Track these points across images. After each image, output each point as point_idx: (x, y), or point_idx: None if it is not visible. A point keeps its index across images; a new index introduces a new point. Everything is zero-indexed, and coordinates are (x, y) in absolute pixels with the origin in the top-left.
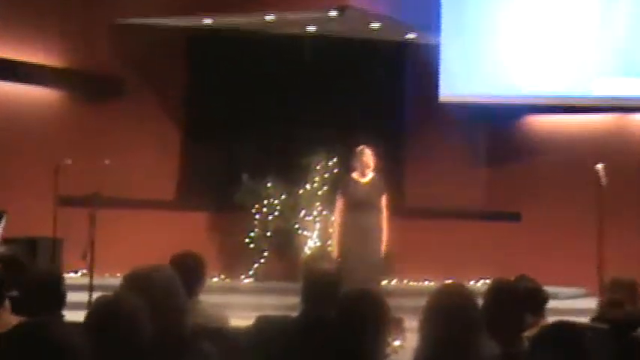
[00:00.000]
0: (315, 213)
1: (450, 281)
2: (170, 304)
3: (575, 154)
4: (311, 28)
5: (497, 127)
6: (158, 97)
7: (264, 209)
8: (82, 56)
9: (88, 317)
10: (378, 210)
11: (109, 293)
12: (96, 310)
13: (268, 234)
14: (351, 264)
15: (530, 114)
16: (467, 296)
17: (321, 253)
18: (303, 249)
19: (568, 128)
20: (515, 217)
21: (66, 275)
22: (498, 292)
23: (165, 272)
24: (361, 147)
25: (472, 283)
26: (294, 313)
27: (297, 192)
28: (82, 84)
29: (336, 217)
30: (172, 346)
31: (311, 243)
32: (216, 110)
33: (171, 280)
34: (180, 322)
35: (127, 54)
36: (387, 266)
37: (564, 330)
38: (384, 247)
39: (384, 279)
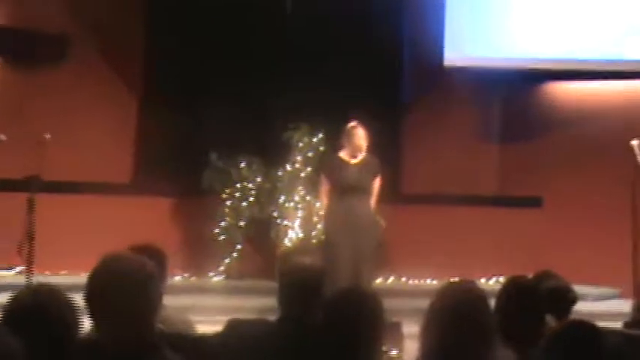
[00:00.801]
0: (296, 199)
1: (456, 279)
2: (139, 306)
3: (606, 128)
4: None
5: (512, 96)
6: (110, 62)
7: (237, 194)
8: (18, 11)
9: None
10: (370, 195)
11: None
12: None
13: (241, 224)
14: (338, 259)
15: (552, 80)
16: (477, 297)
17: (303, 246)
18: (282, 241)
19: (597, 97)
20: (534, 202)
21: None
22: (515, 291)
23: (142, 265)
24: (352, 124)
25: (483, 281)
26: (272, 317)
27: (276, 174)
28: (19, 44)
29: (321, 202)
30: (131, 354)
31: (292, 234)
32: (179, 77)
33: (147, 278)
34: (144, 327)
35: (73, 9)
36: (382, 262)
37: (583, 331)
38: (377, 238)
39: (378, 277)
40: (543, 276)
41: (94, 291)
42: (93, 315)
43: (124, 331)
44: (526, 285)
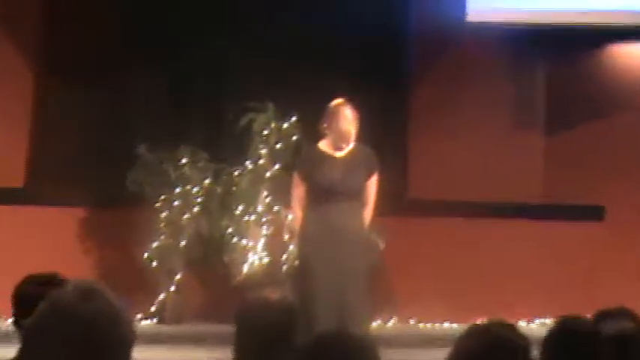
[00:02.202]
0: (260, 208)
1: (485, 321)
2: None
3: None
4: None
5: (560, 65)
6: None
7: (176, 202)
8: None
9: None
10: (364, 201)
11: None
12: None
13: (182, 244)
14: (317, 293)
15: (613, 41)
16: (516, 347)
17: (268, 275)
18: (240, 268)
19: None
20: (592, 213)
21: None
22: (567, 338)
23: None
24: (337, 101)
25: (523, 324)
26: None
27: (231, 173)
28: None
29: (293, 213)
30: None
31: (253, 258)
32: (90, 46)
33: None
34: None
35: None
36: (380, 296)
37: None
38: (373, 263)
39: (373, 318)
40: (606, 316)
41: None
42: None
43: None
44: (583, 329)
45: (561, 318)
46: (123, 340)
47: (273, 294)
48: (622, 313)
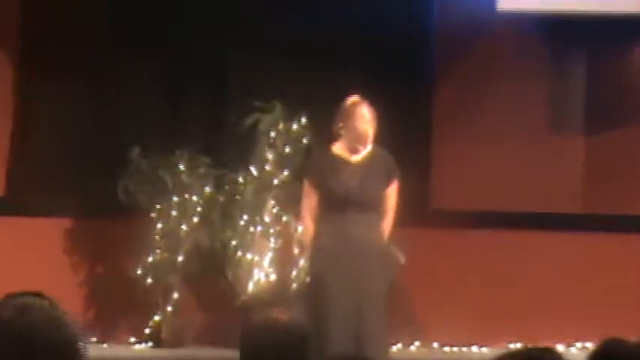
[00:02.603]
0: (267, 219)
1: (520, 346)
2: None
3: None
4: None
5: (601, 58)
6: None
7: (173, 212)
8: None
9: None
10: (382, 212)
11: None
12: None
13: (180, 258)
14: (331, 313)
15: None
16: None
17: (276, 294)
18: (244, 286)
19: None
20: (638, 224)
21: None
22: None
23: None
24: (353, 99)
25: (561, 348)
26: None
27: (235, 180)
28: None
29: (303, 225)
30: None
31: (260, 275)
32: (78, 43)
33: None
34: None
35: None
36: (401, 317)
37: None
38: (393, 280)
39: (394, 341)
40: None
41: None
42: None
43: None
44: (630, 353)
45: (604, 341)
46: (64, 353)
47: (282, 315)
48: None
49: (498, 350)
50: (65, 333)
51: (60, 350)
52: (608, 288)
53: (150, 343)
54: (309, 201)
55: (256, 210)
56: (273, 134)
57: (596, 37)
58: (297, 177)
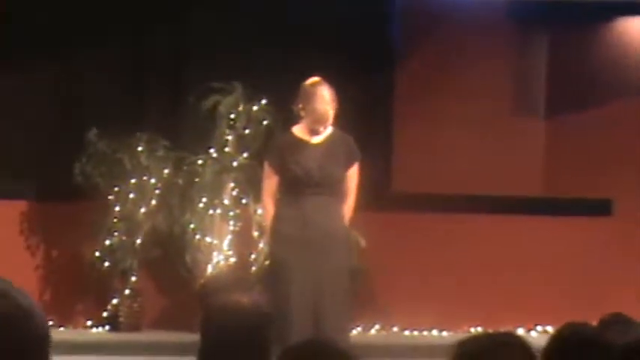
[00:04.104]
0: (226, 202)
1: (479, 330)
2: None
3: None
4: None
5: (563, 41)
6: None
7: (131, 195)
8: None
9: None
10: (343, 194)
11: None
12: None
13: (138, 241)
14: (291, 297)
15: (623, 15)
16: (521, 356)
17: (235, 276)
18: (203, 269)
19: None
20: (600, 208)
21: None
22: (571, 347)
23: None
24: (313, 79)
25: (521, 332)
26: None
27: (194, 162)
28: None
29: (264, 207)
30: None
31: (219, 258)
32: (34, 20)
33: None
34: None
35: None
36: (361, 301)
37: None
38: (353, 264)
39: (354, 325)
40: (614, 322)
41: None
42: None
43: None
44: (588, 337)
45: (564, 325)
46: (34, 341)
47: (242, 298)
48: (625, 320)
49: (459, 335)
50: (35, 321)
51: (32, 339)
52: (570, 271)
53: (107, 327)
54: (270, 183)
55: (215, 192)
56: (233, 116)
57: (558, 20)
58: (257, 159)
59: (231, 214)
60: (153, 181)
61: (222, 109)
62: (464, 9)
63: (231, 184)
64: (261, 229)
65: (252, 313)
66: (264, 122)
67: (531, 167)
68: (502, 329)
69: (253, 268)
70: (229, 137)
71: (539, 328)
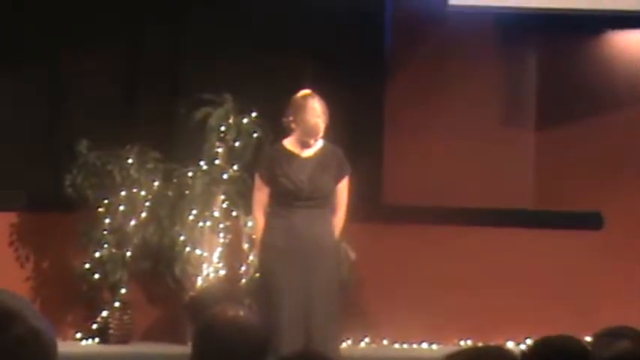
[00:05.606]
0: (216, 214)
1: (469, 344)
2: None
3: None
4: None
5: (552, 55)
6: None
7: (121, 207)
8: None
9: None
10: (333, 207)
11: None
12: None
13: (128, 254)
14: (281, 309)
15: (613, 28)
16: None
17: (225, 289)
18: (193, 282)
19: None
20: (590, 221)
21: None
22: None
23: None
24: (304, 92)
25: (511, 345)
26: None
27: (184, 175)
28: None
29: (254, 220)
30: None
31: (209, 271)
32: (23, 28)
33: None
34: None
35: None
36: (351, 314)
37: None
38: (343, 276)
39: (344, 338)
40: (606, 336)
41: None
42: None
43: None
44: (578, 352)
45: (552, 337)
46: None
47: (232, 311)
48: (619, 333)
49: (449, 348)
50: (48, 344)
51: None
52: (561, 284)
53: (97, 339)
54: (259, 195)
55: (206, 205)
56: (223, 128)
57: (549, 31)
58: (248, 171)
59: (222, 226)
60: (143, 193)
61: (212, 121)
62: (454, 21)
63: (222, 197)
64: (251, 241)
65: (239, 326)
66: (255, 135)
67: (522, 179)
68: (492, 343)
69: (243, 281)
70: (219, 149)
71: (528, 341)
